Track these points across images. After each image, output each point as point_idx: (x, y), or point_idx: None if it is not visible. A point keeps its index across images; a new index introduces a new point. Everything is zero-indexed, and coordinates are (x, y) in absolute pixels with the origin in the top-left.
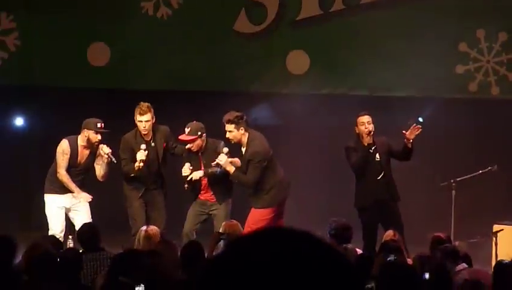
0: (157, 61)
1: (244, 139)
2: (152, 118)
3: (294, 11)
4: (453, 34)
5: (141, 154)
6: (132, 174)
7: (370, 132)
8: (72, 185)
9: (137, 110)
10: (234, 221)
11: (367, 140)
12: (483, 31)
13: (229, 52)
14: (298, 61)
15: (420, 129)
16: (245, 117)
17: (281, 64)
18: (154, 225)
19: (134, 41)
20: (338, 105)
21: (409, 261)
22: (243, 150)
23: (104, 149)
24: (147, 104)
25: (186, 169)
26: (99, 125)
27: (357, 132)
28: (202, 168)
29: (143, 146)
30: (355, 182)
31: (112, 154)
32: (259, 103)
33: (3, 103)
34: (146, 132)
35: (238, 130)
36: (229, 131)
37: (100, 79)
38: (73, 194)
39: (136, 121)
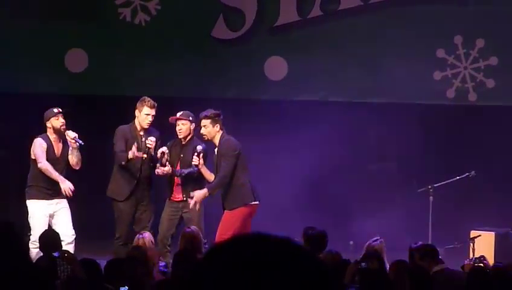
0: (134, 67)
1: (218, 138)
2: None
3: (273, 17)
4: (430, 40)
5: (149, 142)
6: (123, 162)
7: None
8: (55, 174)
9: (145, 104)
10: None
11: None
12: (461, 38)
13: (207, 59)
14: (276, 67)
15: None
16: (222, 116)
17: (259, 70)
18: (139, 225)
19: (113, 47)
20: (315, 112)
21: None
22: (216, 150)
23: (70, 134)
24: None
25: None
26: (56, 110)
27: None
28: (178, 165)
29: (151, 138)
30: None
31: (78, 138)
32: (236, 109)
33: None
34: (147, 127)
35: (213, 126)
36: (204, 126)
37: (78, 85)
38: (59, 184)
39: (139, 114)
